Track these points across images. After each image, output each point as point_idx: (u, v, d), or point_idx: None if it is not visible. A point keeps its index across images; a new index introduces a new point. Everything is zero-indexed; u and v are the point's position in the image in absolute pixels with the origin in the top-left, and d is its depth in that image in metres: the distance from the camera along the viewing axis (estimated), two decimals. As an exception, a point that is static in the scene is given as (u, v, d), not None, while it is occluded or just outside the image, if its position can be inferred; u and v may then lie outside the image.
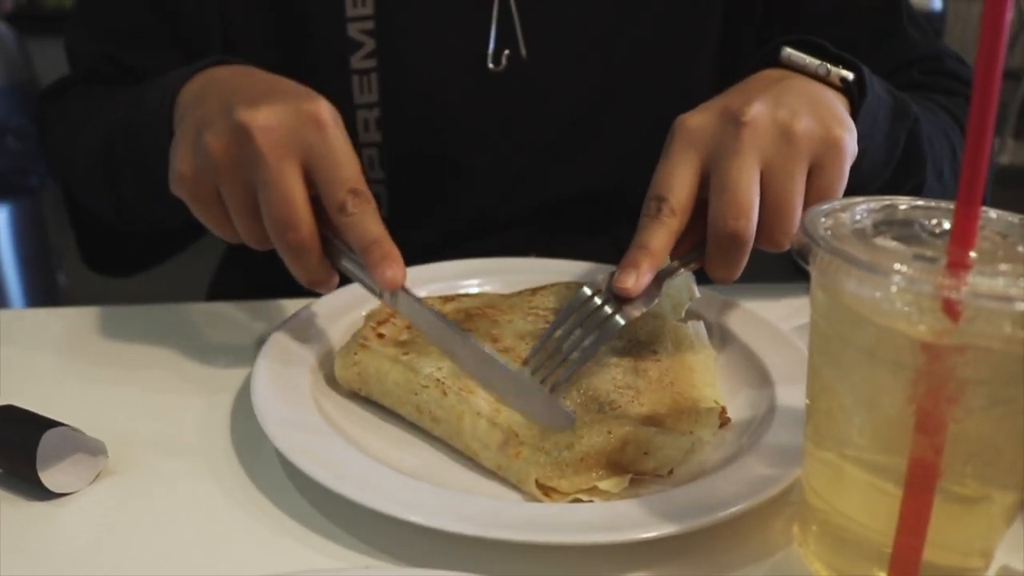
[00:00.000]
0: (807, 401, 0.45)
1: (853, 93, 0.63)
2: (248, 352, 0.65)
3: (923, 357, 0.38)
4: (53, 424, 0.50)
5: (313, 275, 0.57)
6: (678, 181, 0.57)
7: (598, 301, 0.56)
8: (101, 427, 0.54)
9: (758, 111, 0.56)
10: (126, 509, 0.50)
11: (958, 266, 0.38)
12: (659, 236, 0.56)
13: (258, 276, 0.95)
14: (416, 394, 0.55)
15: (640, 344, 0.62)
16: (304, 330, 0.64)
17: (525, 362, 0.57)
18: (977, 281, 0.37)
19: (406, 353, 0.58)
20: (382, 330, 0.61)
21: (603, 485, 0.50)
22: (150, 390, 0.61)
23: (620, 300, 0.56)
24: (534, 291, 0.69)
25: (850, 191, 0.64)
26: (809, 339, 0.44)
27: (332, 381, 0.60)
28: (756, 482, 0.49)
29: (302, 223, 0.55)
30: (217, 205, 0.58)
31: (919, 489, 0.41)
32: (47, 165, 0.89)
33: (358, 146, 0.82)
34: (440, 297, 0.68)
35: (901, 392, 0.39)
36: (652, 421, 0.54)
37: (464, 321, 0.63)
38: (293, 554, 0.47)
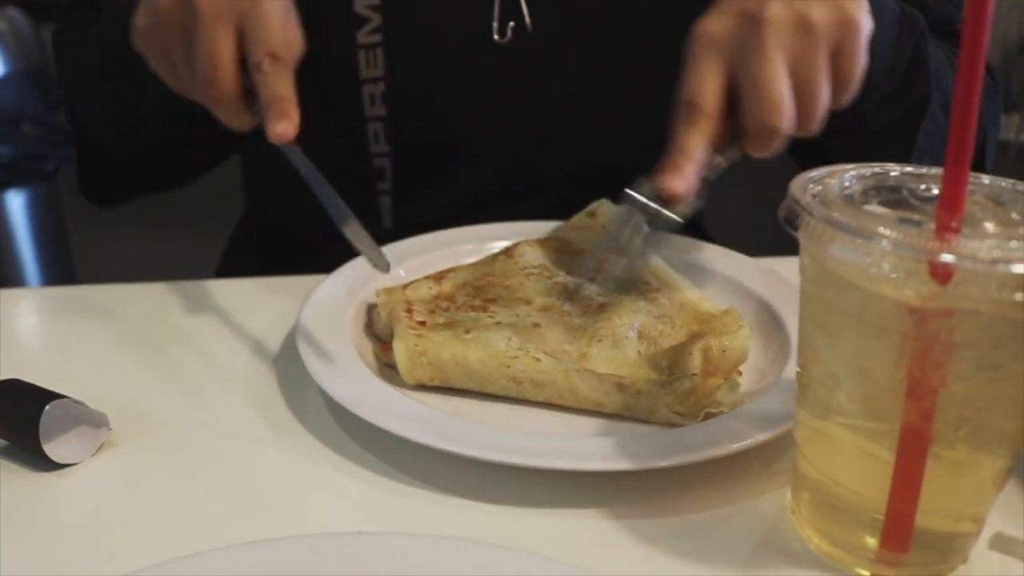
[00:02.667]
0: (798, 369, 0.45)
1: None
2: (258, 328, 0.66)
3: (910, 322, 0.38)
4: (56, 396, 0.51)
5: (233, 123, 0.64)
6: (707, 86, 0.58)
7: (650, 208, 0.58)
8: (105, 400, 0.54)
9: (776, 9, 0.57)
10: (128, 480, 0.51)
11: (945, 230, 0.38)
12: (696, 139, 0.58)
13: (267, 256, 0.97)
14: (508, 367, 0.57)
15: (627, 282, 0.66)
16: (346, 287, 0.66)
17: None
18: (964, 244, 0.37)
19: (467, 332, 0.59)
20: (418, 319, 0.61)
21: (720, 396, 0.54)
22: (153, 364, 0.62)
23: (665, 202, 0.58)
24: (508, 254, 0.69)
25: (855, 99, 0.65)
26: (799, 307, 0.44)
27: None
28: (766, 421, 0.51)
29: (223, 81, 0.61)
30: (167, 59, 0.64)
31: (911, 455, 0.41)
32: (65, 98, 0.93)
33: (363, 120, 0.82)
34: (432, 277, 0.67)
35: (890, 358, 0.39)
36: (702, 334, 0.59)
37: (478, 294, 0.64)
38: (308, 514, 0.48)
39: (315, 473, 0.52)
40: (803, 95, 0.58)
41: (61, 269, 2.05)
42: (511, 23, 0.80)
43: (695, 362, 0.56)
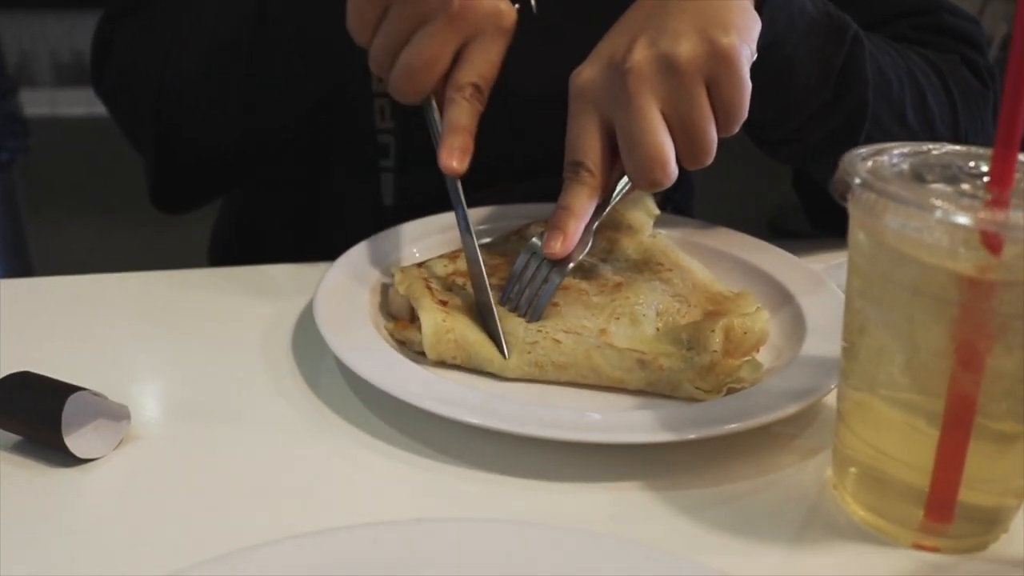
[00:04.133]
0: (844, 344, 0.45)
1: None
2: (268, 314, 0.65)
3: (965, 292, 0.39)
4: (75, 389, 0.50)
5: (407, 99, 0.63)
6: (587, 143, 0.60)
7: (539, 259, 0.61)
8: (122, 392, 0.53)
9: (639, 55, 0.57)
10: (154, 474, 0.49)
11: (998, 203, 0.39)
12: (581, 196, 0.60)
13: (254, 245, 0.95)
14: (529, 352, 0.57)
15: (640, 263, 0.66)
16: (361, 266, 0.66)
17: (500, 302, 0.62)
18: (1016, 215, 0.37)
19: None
20: (440, 297, 0.61)
21: (744, 374, 0.55)
22: (170, 355, 0.61)
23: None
24: (520, 235, 0.70)
25: (783, 107, 0.67)
26: (847, 282, 0.44)
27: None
28: (793, 395, 0.52)
29: (429, 82, 0.62)
30: (374, 10, 0.61)
31: (957, 426, 0.41)
32: (110, 90, 0.85)
33: (370, 96, 0.81)
34: (447, 255, 0.67)
35: (942, 329, 0.40)
36: (719, 313, 0.60)
37: (493, 273, 0.64)
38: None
39: (349, 459, 0.51)
40: (685, 135, 0.57)
41: (17, 261, 2.00)
42: (516, 5, 0.79)
43: (717, 339, 0.57)
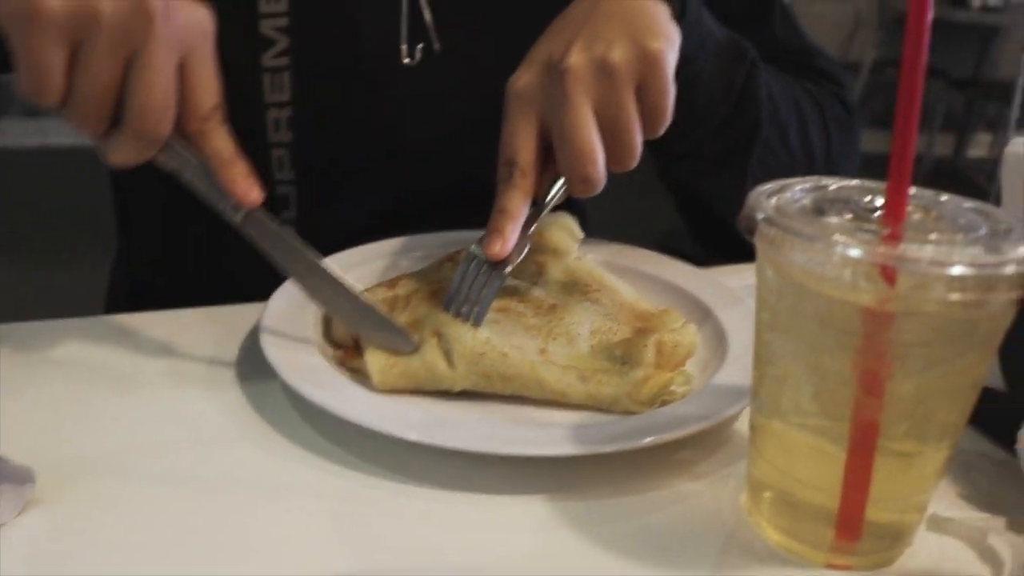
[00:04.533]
0: (755, 374, 0.47)
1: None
2: (192, 359, 0.63)
3: (868, 324, 0.41)
4: (-29, 452, 0.47)
5: (152, 146, 0.55)
6: (521, 143, 0.62)
7: (484, 259, 0.62)
8: (26, 452, 0.50)
9: (576, 57, 0.60)
10: (61, 541, 0.47)
11: (893, 237, 0.41)
12: (515, 198, 0.61)
13: (149, 290, 0.91)
14: (477, 364, 0.58)
15: (569, 284, 0.68)
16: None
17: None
18: (909, 249, 0.40)
19: (433, 334, 0.60)
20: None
21: (676, 386, 0.58)
22: (80, 407, 0.58)
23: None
24: (453, 260, 0.71)
25: (688, 120, 0.69)
26: (756, 315, 0.46)
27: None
28: (715, 405, 0.55)
29: (172, 120, 0.54)
30: (61, 52, 0.51)
31: (861, 448, 0.43)
32: None
33: (267, 146, 0.79)
34: (385, 284, 0.68)
35: (847, 358, 0.42)
36: (648, 330, 0.62)
37: (433, 297, 0.65)
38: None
39: (277, 506, 0.50)
40: (614, 136, 0.61)
41: None
42: (420, 45, 0.79)
43: (650, 353, 0.59)
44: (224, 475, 0.52)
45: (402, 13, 0.79)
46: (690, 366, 0.62)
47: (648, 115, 0.62)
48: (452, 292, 0.62)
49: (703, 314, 0.67)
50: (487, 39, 0.81)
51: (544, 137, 0.62)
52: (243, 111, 0.79)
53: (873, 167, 0.44)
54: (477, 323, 0.60)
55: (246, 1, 0.76)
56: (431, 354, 0.59)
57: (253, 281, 0.66)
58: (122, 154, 0.55)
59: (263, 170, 0.80)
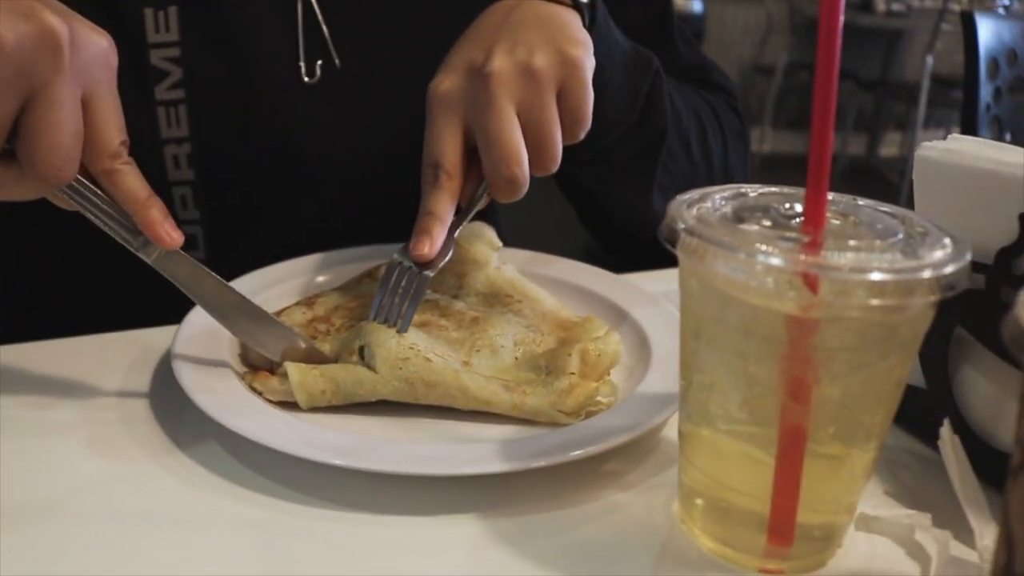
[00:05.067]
0: (682, 382, 0.47)
1: (583, 8, 0.68)
2: (86, 391, 0.61)
3: (793, 330, 0.41)
4: None
5: (60, 184, 0.51)
6: (446, 145, 0.62)
7: (407, 265, 0.62)
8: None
9: (499, 61, 0.61)
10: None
11: (814, 244, 0.41)
12: (442, 200, 0.62)
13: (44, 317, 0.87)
14: (400, 368, 0.57)
15: (489, 296, 0.68)
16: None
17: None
18: (829, 256, 0.40)
19: (356, 352, 0.59)
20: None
21: (601, 396, 0.57)
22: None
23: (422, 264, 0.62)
24: (372, 276, 0.70)
25: (597, 127, 0.69)
26: (681, 322, 0.46)
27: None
28: (642, 414, 0.55)
29: (77, 159, 0.51)
30: None
31: (790, 453, 0.44)
32: None
33: (167, 184, 0.76)
34: (303, 303, 0.67)
35: (772, 365, 0.42)
36: (571, 339, 0.62)
37: (353, 315, 0.64)
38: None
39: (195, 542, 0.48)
40: (536, 138, 0.62)
41: None
42: (319, 61, 0.77)
43: (574, 362, 0.59)
44: (141, 510, 0.50)
45: (299, 30, 0.77)
46: (614, 374, 0.62)
47: (569, 118, 0.63)
48: (377, 302, 0.61)
49: (625, 321, 0.68)
50: (387, 53, 0.80)
51: (469, 139, 0.62)
52: (139, 149, 0.75)
53: (788, 167, 0.44)
54: (403, 330, 0.60)
55: (134, 30, 0.72)
56: (353, 362, 0.58)
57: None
58: (16, 193, 0.51)
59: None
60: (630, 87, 0.75)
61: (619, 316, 0.69)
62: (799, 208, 0.44)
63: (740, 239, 0.40)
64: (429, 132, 0.63)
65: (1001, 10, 5.18)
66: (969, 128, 1.78)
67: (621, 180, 0.82)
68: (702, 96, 0.90)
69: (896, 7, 5.39)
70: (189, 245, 0.80)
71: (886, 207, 0.46)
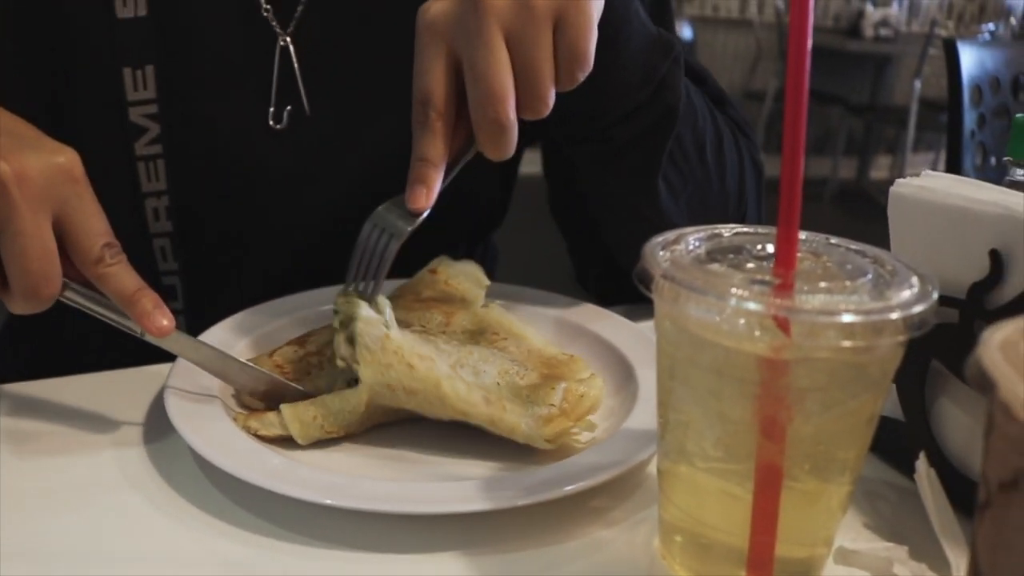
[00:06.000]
0: (659, 420, 0.48)
1: None
2: (80, 429, 0.61)
3: (765, 371, 0.42)
4: None
5: (44, 304, 0.56)
6: (434, 79, 0.58)
7: (380, 229, 0.62)
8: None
9: None
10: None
11: (785, 286, 0.42)
12: (434, 144, 0.59)
13: (35, 362, 0.88)
14: (383, 374, 0.57)
15: (476, 334, 0.68)
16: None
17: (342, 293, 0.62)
18: (803, 298, 0.41)
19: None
20: (297, 384, 0.63)
21: (577, 436, 0.59)
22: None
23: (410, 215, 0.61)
24: None
25: (603, 100, 0.68)
26: (657, 362, 0.47)
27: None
28: (627, 450, 0.55)
29: (57, 276, 0.55)
30: None
31: (767, 491, 0.44)
32: None
33: (147, 237, 0.78)
34: (294, 341, 0.68)
35: (746, 405, 0.43)
36: (555, 376, 0.62)
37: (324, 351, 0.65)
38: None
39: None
40: (526, 74, 0.57)
41: None
42: (288, 108, 0.78)
43: (558, 396, 0.59)
44: (131, 548, 0.50)
45: (273, 78, 0.78)
46: (600, 410, 0.62)
47: (567, 55, 0.58)
48: (353, 258, 0.61)
49: (612, 356, 0.68)
50: (356, 100, 0.81)
51: (458, 71, 0.59)
52: (120, 202, 0.76)
53: (777, 189, 0.44)
54: (375, 294, 0.60)
55: (114, 90, 0.74)
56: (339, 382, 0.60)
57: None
58: (19, 308, 0.56)
59: (146, 262, 0.78)
60: (645, 64, 0.70)
61: (606, 351, 0.69)
62: (771, 249, 0.45)
63: (712, 282, 0.41)
64: (418, 62, 0.59)
65: (987, 35, 5.24)
66: (955, 154, 1.80)
67: (621, 166, 0.76)
68: (721, 113, 0.85)
69: (884, 32, 5.45)
70: (168, 296, 0.81)
71: (857, 246, 0.47)
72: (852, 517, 0.54)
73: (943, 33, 4.80)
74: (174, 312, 0.80)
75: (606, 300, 0.79)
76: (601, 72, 0.61)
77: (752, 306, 0.40)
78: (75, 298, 0.58)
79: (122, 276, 0.57)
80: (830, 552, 0.48)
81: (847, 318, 0.40)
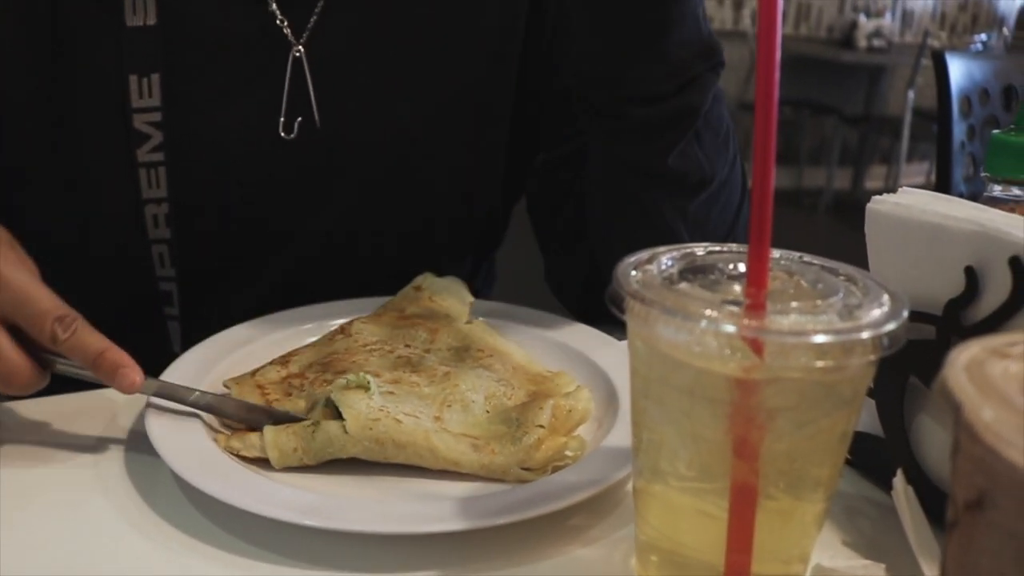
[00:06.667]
0: (633, 439, 0.48)
1: None
2: (60, 449, 0.61)
3: (736, 392, 0.42)
4: None
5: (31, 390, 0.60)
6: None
7: None
8: None
9: None
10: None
11: (757, 306, 0.42)
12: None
13: None
14: (371, 429, 0.57)
15: (461, 350, 0.69)
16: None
17: None
18: (772, 319, 0.41)
19: (328, 407, 0.60)
20: (278, 404, 0.63)
21: (569, 451, 0.58)
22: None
23: None
24: (345, 332, 0.71)
25: (627, 66, 0.70)
26: (631, 382, 0.47)
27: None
28: (605, 469, 0.56)
29: (21, 370, 0.57)
30: None
31: (742, 509, 0.44)
32: None
33: (146, 242, 0.78)
34: (277, 361, 0.68)
35: (719, 424, 0.43)
36: (542, 393, 0.63)
37: (327, 370, 0.65)
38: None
39: None
40: None
41: None
42: (299, 118, 0.79)
43: (545, 416, 0.60)
44: (111, 569, 0.50)
45: (284, 89, 0.78)
46: (582, 427, 0.62)
47: None
48: None
49: (594, 373, 0.68)
50: (368, 112, 0.81)
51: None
52: (120, 207, 0.77)
53: (776, 201, 0.44)
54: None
55: (118, 96, 0.75)
56: (326, 422, 0.59)
57: None
58: (12, 392, 0.59)
59: (144, 268, 0.80)
60: (682, 56, 0.70)
61: (589, 368, 0.69)
62: (743, 268, 0.45)
63: (683, 303, 0.41)
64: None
65: (979, 45, 5.26)
66: (944, 166, 1.81)
67: (631, 151, 0.75)
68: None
69: (877, 43, 5.48)
70: (164, 301, 0.81)
71: (830, 264, 0.47)
72: (831, 534, 0.54)
73: (936, 43, 4.82)
74: (170, 318, 0.81)
75: (587, 316, 0.79)
76: (638, 42, 0.63)
77: (723, 327, 0.40)
78: (66, 369, 0.60)
79: (81, 345, 0.58)
80: (807, 569, 0.48)
81: (818, 339, 0.40)
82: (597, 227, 0.84)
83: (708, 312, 0.40)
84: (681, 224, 0.77)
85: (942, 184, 1.76)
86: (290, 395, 0.63)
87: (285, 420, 0.60)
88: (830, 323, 0.41)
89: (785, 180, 5.48)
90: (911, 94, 4.83)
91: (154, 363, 0.63)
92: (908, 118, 4.86)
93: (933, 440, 0.55)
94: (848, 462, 0.58)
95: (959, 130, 1.82)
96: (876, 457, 0.57)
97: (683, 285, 0.44)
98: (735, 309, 0.42)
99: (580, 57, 0.72)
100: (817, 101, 5.34)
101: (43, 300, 0.58)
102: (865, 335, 0.40)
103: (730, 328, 0.40)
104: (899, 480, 0.51)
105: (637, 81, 0.71)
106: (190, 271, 0.81)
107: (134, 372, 0.59)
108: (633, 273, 0.44)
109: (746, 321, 0.40)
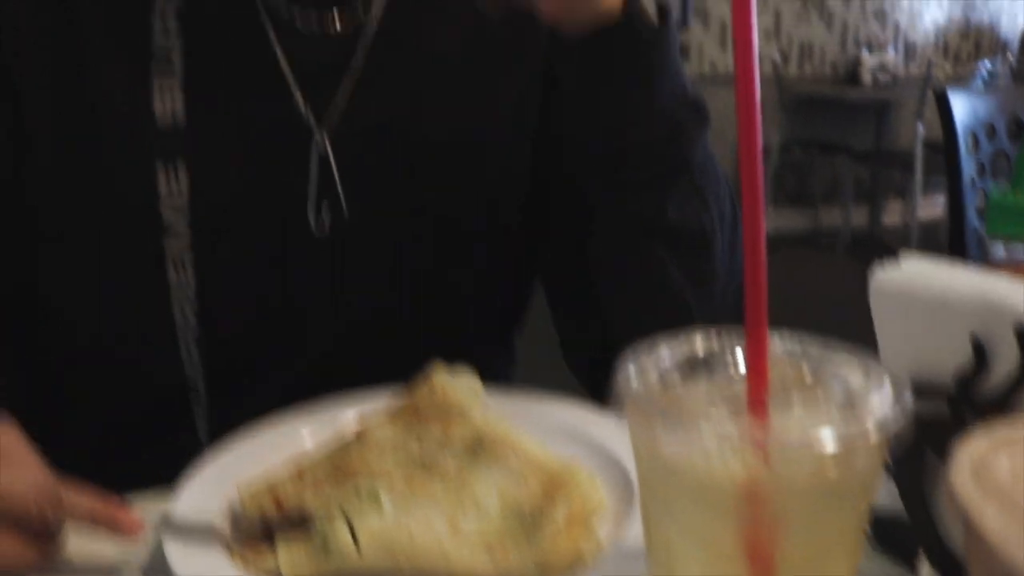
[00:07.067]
0: (646, 539, 0.46)
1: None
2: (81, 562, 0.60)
3: (741, 496, 0.41)
4: None
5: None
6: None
7: None
8: None
9: None
10: None
11: (757, 404, 0.41)
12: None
13: None
14: (384, 548, 0.57)
15: (475, 445, 0.67)
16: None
17: None
18: (775, 423, 0.40)
19: (340, 516, 0.59)
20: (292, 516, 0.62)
21: (583, 544, 0.58)
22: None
23: None
24: (360, 439, 0.69)
25: (620, 119, 0.72)
26: (639, 486, 0.46)
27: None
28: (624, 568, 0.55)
29: (29, 555, 0.57)
30: None
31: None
32: None
33: (174, 335, 0.78)
34: (290, 477, 0.66)
35: (727, 528, 0.42)
36: (555, 484, 0.62)
37: (338, 477, 0.64)
38: None
39: None
40: None
41: None
42: (327, 213, 0.79)
43: (560, 512, 0.59)
44: None
45: (310, 181, 0.78)
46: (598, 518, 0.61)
47: None
48: None
49: (609, 462, 0.67)
50: (398, 209, 0.81)
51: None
52: (148, 301, 0.77)
53: (790, 243, 0.44)
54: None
55: (146, 184, 0.75)
56: (339, 540, 0.58)
57: None
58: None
59: (172, 359, 0.79)
60: (670, 121, 0.73)
61: (603, 457, 0.68)
62: (742, 357, 0.44)
63: (682, 406, 0.41)
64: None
65: (984, 72, 5.26)
66: (957, 204, 1.80)
67: (628, 205, 0.77)
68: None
69: (882, 77, 5.49)
70: (191, 392, 0.81)
71: (832, 345, 0.46)
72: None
73: (940, 74, 4.82)
74: (197, 412, 0.80)
75: (599, 391, 0.78)
76: (623, 85, 0.67)
77: (725, 430, 0.39)
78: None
79: (72, 511, 0.58)
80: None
81: (824, 441, 0.39)
82: (605, 298, 0.83)
83: (709, 413, 0.40)
84: (688, 289, 0.76)
85: (955, 223, 1.75)
86: (302, 493, 0.62)
87: (300, 523, 0.59)
88: (833, 418, 0.40)
89: (801, 221, 5.47)
90: (920, 128, 4.82)
91: (183, 453, 0.63)
92: (919, 151, 4.84)
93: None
94: (870, 542, 0.57)
95: (968, 167, 1.81)
96: (900, 537, 0.56)
97: (681, 385, 0.43)
98: (736, 411, 0.41)
99: (571, 107, 0.74)
100: (826, 140, 5.35)
101: (21, 493, 0.57)
102: (871, 427, 0.39)
103: (732, 432, 0.39)
104: (924, 564, 0.49)
105: (626, 127, 0.73)
106: (217, 365, 0.81)
107: (131, 520, 0.58)
108: (632, 368, 0.44)
109: (744, 425, 0.39)
